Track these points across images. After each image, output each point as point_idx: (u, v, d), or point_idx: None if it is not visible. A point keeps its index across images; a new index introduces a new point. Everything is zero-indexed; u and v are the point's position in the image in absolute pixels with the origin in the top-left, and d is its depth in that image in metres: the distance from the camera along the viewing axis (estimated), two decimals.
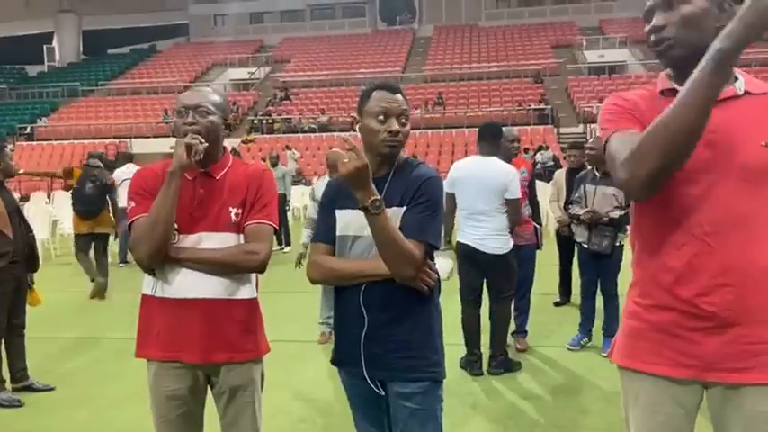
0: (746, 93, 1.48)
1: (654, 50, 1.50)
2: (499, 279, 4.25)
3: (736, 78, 1.49)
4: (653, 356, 1.48)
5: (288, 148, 19.75)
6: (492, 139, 4.24)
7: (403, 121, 1.87)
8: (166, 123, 23.30)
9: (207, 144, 1.96)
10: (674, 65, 1.50)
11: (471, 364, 4.29)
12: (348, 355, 1.92)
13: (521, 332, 4.89)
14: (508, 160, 4.66)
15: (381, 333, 1.87)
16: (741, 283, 1.40)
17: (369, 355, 1.88)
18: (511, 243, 4.24)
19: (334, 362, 2.02)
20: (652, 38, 1.49)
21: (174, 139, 2.04)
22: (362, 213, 1.75)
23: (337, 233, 1.93)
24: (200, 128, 1.97)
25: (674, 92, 1.44)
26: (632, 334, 1.54)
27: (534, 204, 4.88)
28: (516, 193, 4.12)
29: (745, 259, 1.40)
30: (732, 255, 1.41)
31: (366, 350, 1.87)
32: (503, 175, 4.10)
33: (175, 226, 1.97)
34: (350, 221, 1.89)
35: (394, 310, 1.86)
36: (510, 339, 4.79)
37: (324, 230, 1.97)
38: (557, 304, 6.07)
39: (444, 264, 4.37)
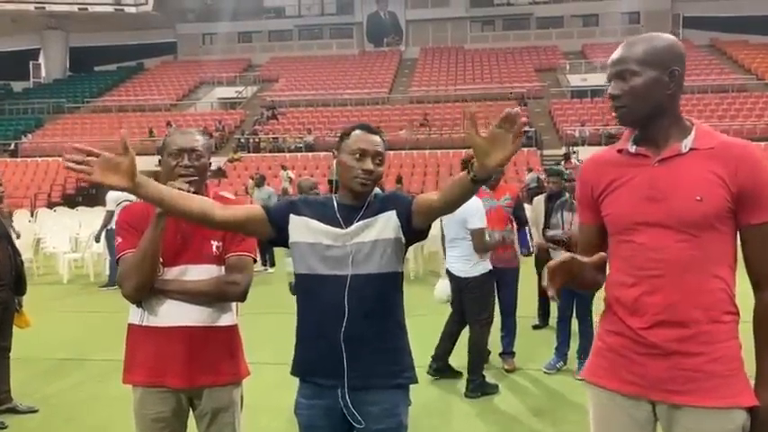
0: (692, 149, 1.62)
1: (613, 114, 1.70)
2: (469, 301, 4.46)
3: (689, 134, 1.64)
4: (608, 373, 1.70)
5: (284, 168, 19.73)
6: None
7: (378, 161, 1.94)
8: (152, 141, 23.28)
9: (195, 185, 2.08)
10: (629, 126, 1.70)
11: (430, 366, 4.68)
12: (320, 365, 1.92)
13: (507, 353, 5.04)
14: (491, 187, 4.88)
15: (362, 339, 1.89)
16: (680, 321, 1.59)
17: (348, 364, 1.88)
18: (480, 268, 4.38)
19: (300, 372, 1.99)
20: (611, 103, 1.69)
21: (158, 157, 2.17)
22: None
23: (305, 239, 1.95)
24: (195, 171, 2.10)
25: (627, 152, 1.70)
26: (596, 353, 1.77)
27: (523, 226, 5.12)
28: (476, 223, 4.30)
29: (684, 300, 1.59)
30: (672, 296, 1.60)
31: (348, 354, 1.88)
32: (463, 207, 4.29)
33: (161, 259, 2.08)
34: (307, 228, 1.94)
35: (373, 316, 1.90)
36: (497, 360, 5.01)
37: (273, 208, 1.99)
38: (535, 327, 6.20)
39: (443, 286, 4.64)
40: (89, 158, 1.64)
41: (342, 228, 1.92)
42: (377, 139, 1.97)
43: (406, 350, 2.00)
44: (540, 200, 6.08)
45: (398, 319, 2.00)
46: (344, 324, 1.88)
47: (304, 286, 1.98)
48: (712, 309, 1.59)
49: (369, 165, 1.92)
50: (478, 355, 4.49)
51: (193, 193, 2.07)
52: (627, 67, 1.63)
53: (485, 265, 4.42)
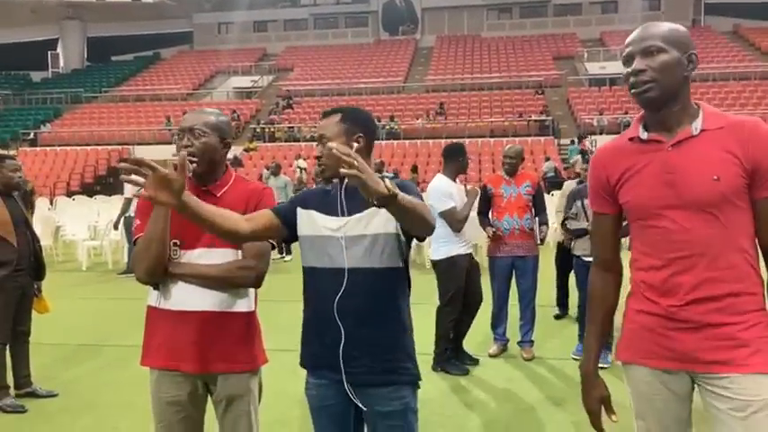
0: (703, 130, 1.65)
1: (632, 92, 1.69)
2: (438, 283, 4.63)
3: (697, 116, 1.67)
4: (644, 352, 1.73)
5: (297, 157, 19.75)
6: (446, 159, 4.76)
7: (324, 142, 1.91)
8: (169, 130, 23.42)
9: (196, 165, 2.03)
10: (649, 105, 1.69)
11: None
12: (323, 360, 1.94)
13: (526, 341, 5.00)
14: (510, 174, 4.90)
15: (358, 336, 1.89)
16: (710, 296, 1.63)
17: (346, 360, 1.89)
18: (443, 252, 4.54)
19: (304, 366, 2.02)
20: (631, 80, 1.68)
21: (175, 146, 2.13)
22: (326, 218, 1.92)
23: (309, 233, 1.98)
24: (194, 149, 2.05)
25: (639, 140, 1.72)
26: (628, 334, 1.79)
27: (541, 215, 5.07)
28: (438, 206, 4.45)
29: (713, 277, 1.63)
30: (701, 274, 1.64)
31: (344, 355, 1.88)
32: (428, 190, 4.62)
33: (177, 242, 2.06)
34: (310, 221, 1.97)
35: (369, 312, 1.89)
36: (516, 348, 5.01)
37: (282, 208, 2.03)
38: (557, 317, 6.10)
39: None
40: (144, 171, 1.65)
41: (339, 216, 1.91)
42: (323, 122, 1.99)
43: (407, 348, 1.96)
44: (570, 185, 5.97)
45: (400, 316, 1.95)
46: (339, 321, 1.88)
47: (305, 280, 2.01)
48: (741, 281, 1.63)
49: (317, 152, 1.98)
50: (437, 332, 4.63)
51: (201, 173, 2.07)
52: (654, 43, 1.65)
53: (447, 250, 4.54)
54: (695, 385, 1.70)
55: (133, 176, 1.65)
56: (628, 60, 1.69)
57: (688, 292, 1.63)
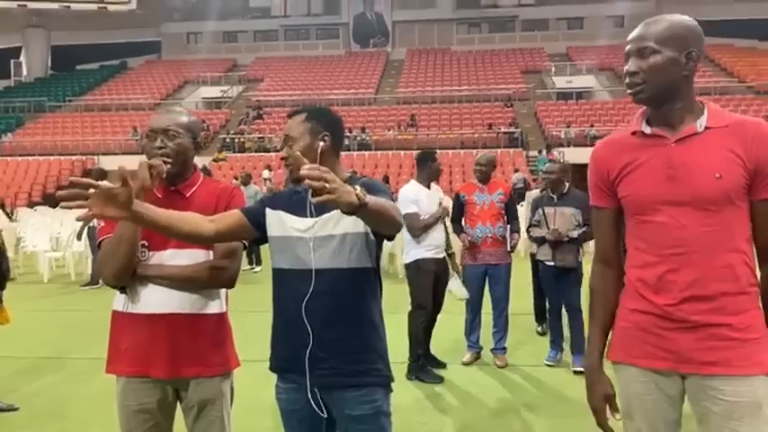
0: (707, 128, 1.64)
1: (627, 92, 1.70)
2: (408, 287, 4.73)
3: (702, 114, 1.66)
4: (637, 351, 1.71)
5: (269, 168, 19.60)
6: (417, 166, 4.85)
7: (290, 144, 1.93)
8: (135, 140, 23.01)
9: (170, 166, 1.99)
10: (645, 104, 1.70)
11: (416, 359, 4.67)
12: (291, 363, 1.91)
13: (499, 349, 5.00)
14: (483, 182, 4.95)
15: (326, 337, 1.86)
16: (705, 295, 1.62)
17: (313, 362, 1.86)
18: (410, 256, 4.66)
19: (273, 369, 2.00)
20: (626, 80, 1.69)
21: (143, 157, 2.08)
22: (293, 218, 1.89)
23: (278, 234, 1.95)
24: (168, 151, 2.01)
25: (642, 134, 1.70)
26: (621, 333, 1.76)
27: (513, 223, 5.06)
28: (404, 209, 4.46)
29: (708, 275, 1.62)
30: (696, 272, 1.62)
31: (311, 357, 1.86)
32: (399, 195, 4.69)
33: (146, 243, 2.00)
34: (279, 222, 1.94)
35: (338, 313, 1.86)
36: (489, 355, 4.99)
37: (250, 208, 2.00)
38: (541, 334, 5.84)
39: (458, 285, 4.82)
40: (87, 192, 1.57)
41: (308, 217, 1.89)
42: (289, 122, 1.98)
43: (377, 350, 1.93)
44: (533, 194, 6.06)
45: (370, 317, 1.92)
46: (308, 323, 1.85)
47: (275, 282, 1.97)
48: (736, 281, 1.61)
49: (283, 153, 1.95)
50: (411, 339, 4.66)
51: (174, 174, 2.02)
52: (647, 44, 1.64)
53: (414, 254, 4.64)
54: (685, 386, 1.68)
55: (77, 202, 1.57)
56: (626, 59, 1.69)
57: (682, 290, 1.62)
